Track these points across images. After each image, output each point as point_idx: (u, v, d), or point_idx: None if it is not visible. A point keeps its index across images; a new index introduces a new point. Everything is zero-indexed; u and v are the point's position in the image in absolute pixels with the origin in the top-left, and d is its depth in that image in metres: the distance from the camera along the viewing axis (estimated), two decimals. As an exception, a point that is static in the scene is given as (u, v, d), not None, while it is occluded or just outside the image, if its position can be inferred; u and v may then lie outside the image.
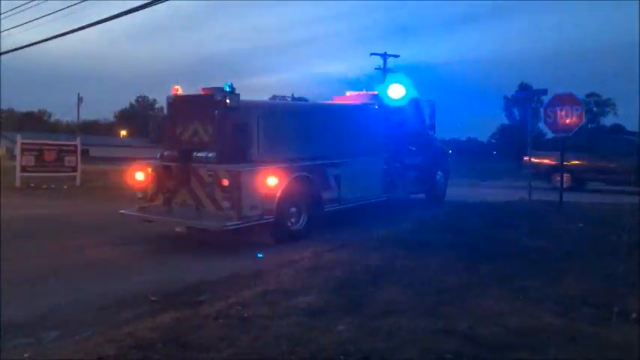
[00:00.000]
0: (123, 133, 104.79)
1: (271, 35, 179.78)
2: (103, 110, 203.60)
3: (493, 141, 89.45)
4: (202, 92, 9.60)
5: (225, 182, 8.65)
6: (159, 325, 4.69)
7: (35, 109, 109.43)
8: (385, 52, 47.17)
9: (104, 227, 10.71)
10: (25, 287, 6.57)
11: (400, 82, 12.95)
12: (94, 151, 68.35)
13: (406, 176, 12.96)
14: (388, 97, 12.65)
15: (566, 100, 12.09)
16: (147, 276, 7.14)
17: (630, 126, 79.43)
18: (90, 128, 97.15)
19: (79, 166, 21.25)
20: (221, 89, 9.19)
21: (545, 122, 12.56)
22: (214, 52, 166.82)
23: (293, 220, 9.73)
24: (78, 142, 22.05)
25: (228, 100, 9.17)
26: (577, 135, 13.31)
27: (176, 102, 10.12)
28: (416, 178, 13.40)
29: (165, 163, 9.66)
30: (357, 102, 12.65)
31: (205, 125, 9.52)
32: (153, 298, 5.92)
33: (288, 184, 9.43)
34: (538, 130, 54.79)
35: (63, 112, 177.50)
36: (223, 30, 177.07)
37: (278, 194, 9.22)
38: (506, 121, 75.12)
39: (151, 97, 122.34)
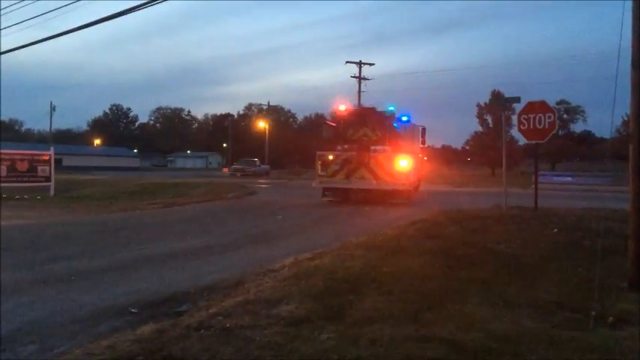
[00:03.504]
0: (97, 141, 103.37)
1: (247, 44, 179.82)
2: (77, 119, 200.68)
3: (467, 148, 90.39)
4: (362, 109, 16.82)
5: (403, 163, 16.16)
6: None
7: (6, 119, 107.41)
8: (360, 61, 47.54)
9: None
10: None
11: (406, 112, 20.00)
12: (67, 161, 67.24)
13: (414, 174, 19.33)
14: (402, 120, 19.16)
15: (538, 107, 12.29)
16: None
17: (599, 132, 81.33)
18: (63, 137, 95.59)
19: (53, 176, 20.92)
20: (381, 108, 17.57)
21: (519, 129, 12.75)
22: (190, 61, 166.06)
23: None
24: (51, 151, 21.63)
25: (394, 115, 17.23)
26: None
27: (347, 113, 17.46)
28: (415, 176, 19.63)
29: (347, 153, 16.92)
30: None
31: (375, 129, 16.83)
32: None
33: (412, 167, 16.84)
34: (511, 136, 55.83)
35: (35, 121, 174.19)
36: (199, 38, 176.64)
37: (412, 173, 16.71)
38: (479, 128, 75.99)
39: (125, 106, 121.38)
